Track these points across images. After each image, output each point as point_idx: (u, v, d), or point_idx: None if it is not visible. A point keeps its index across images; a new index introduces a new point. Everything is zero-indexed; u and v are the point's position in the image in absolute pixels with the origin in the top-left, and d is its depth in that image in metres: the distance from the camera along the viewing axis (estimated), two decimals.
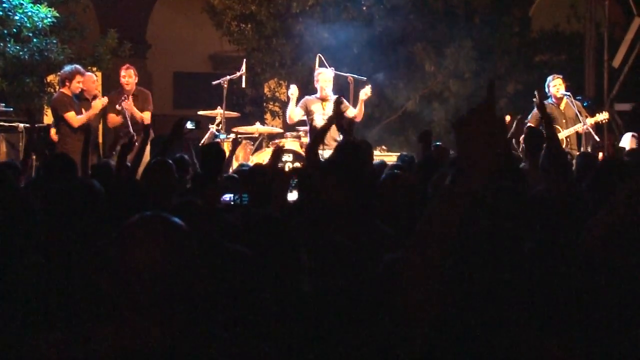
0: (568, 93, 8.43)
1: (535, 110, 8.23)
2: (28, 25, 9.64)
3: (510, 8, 12.47)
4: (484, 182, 1.81)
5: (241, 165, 7.20)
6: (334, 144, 7.54)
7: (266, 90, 14.11)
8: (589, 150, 8.28)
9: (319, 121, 8.21)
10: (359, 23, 11.71)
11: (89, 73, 8.95)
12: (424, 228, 1.88)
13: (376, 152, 9.68)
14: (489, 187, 3.53)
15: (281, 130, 10.22)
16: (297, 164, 8.36)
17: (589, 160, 5.71)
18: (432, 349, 1.92)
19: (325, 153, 7.04)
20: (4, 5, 9.55)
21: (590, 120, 8.36)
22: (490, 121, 1.78)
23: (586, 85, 11.85)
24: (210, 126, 9.39)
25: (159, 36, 15.61)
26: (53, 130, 8.28)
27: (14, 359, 1.94)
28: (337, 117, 5.51)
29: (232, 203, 4.53)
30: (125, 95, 8.62)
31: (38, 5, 9.75)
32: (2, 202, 3.43)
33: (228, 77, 9.53)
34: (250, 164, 7.74)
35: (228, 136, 9.35)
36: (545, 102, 8.40)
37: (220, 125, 9.41)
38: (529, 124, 7.93)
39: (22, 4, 9.60)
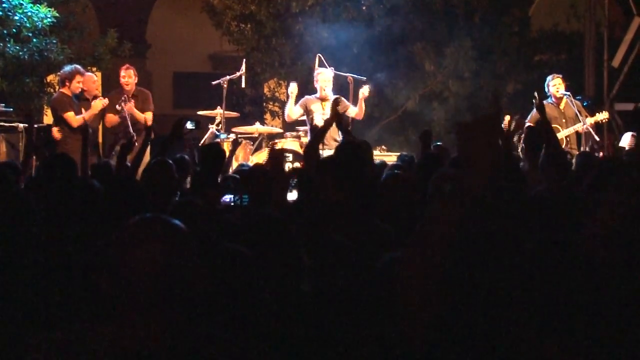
0: (568, 93, 8.44)
1: (534, 111, 8.24)
2: (28, 25, 9.64)
3: (509, 8, 12.47)
4: (484, 182, 1.81)
5: (241, 165, 7.20)
6: (334, 144, 7.55)
7: (266, 90, 14.12)
8: (588, 149, 8.28)
9: (319, 121, 8.22)
10: (359, 23, 11.71)
11: (89, 73, 8.95)
12: (424, 228, 1.88)
13: (376, 152, 9.69)
14: (489, 187, 3.53)
15: (281, 130, 10.23)
16: (297, 164, 8.36)
17: (589, 159, 5.71)
18: (432, 349, 1.92)
19: (325, 153, 7.04)
20: (4, 5, 9.55)
21: (590, 120, 8.36)
22: (494, 131, 1.79)
23: (586, 84, 11.86)
24: (210, 126, 9.39)
25: (158, 36, 15.61)
26: (55, 129, 8.27)
27: (14, 359, 1.94)
28: (337, 117, 5.52)
29: (232, 203, 4.53)
30: (125, 96, 8.62)
31: (38, 5, 9.75)
32: (2, 202, 3.43)
33: (228, 77, 9.53)
34: (250, 164, 7.75)
35: (228, 136, 9.36)
36: (545, 101, 8.40)
37: (220, 125, 9.41)
38: (528, 124, 7.93)
39: (21, 4, 9.59)
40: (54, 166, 4.81)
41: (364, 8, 11.88)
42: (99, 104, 8.40)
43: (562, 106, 8.46)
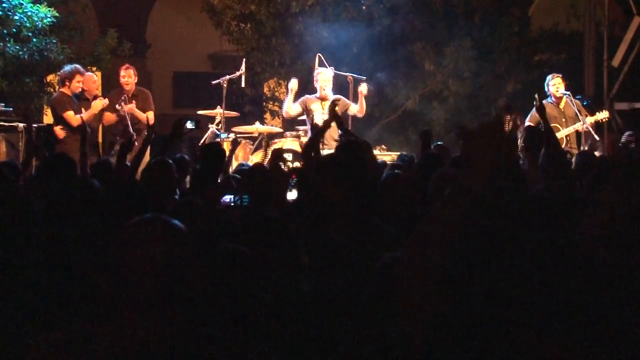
0: (568, 92, 8.44)
1: (534, 111, 8.24)
2: (28, 25, 9.63)
3: (509, 7, 12.46)
4: (484, 183, 1.82)
5: (241, 165, 7.21)
6: (334, 144, 7.55)
7: (266, 89, 14.12)
8: (587, 148, 8.28)
9: (319, 120, 8.22)
10: (359, 22, 11.71)
11: (89, 73, 8.95)
12: (424, 228, 1.88)
13: (376, 152, 9.67)
14: (489, 187, 3.53)
15: (281, 130, 10.23)
16: (297, 164, 8.36)
17: (588, 159, 5.71)
18: (432, 349, 1.92)
19: (325, 153, 7.04)
20: (4, 5, 9.54)
21: (591, 119, 8.36)
22: (496, 135, 1.79)
23: (586, 84, 11.86)
24: (210, 126, 9.39)
25: (158, 36, 15.61)
26: (58, 127, 8.26)
27: (14, 359, 1.94)
28: (338, 118, 5.52)
29: (232, 204, 4.53)
30: (125, 96, 8.62)
31: (38, 5, 9.74)
32: (2, 202, 3.43)
33: (227, 77, 9.53)
34: (250, 163, 7.75)
35: (229, 135, 9.36)
36: (545, 101, 8.40)
37: (220, 124, 9.42)
38: (528, 124, 7.93)
39: (21, 4, 9.59)
40: (54, 166, 4.81)
41: (363, 8, 11.87)
42: (99, 104, 8.40)
43: (562, 105, 8.47)
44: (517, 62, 12.39)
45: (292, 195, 5.01)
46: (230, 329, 2.23)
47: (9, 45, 9.53)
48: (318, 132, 5.28)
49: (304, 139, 9.16)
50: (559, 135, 7.89)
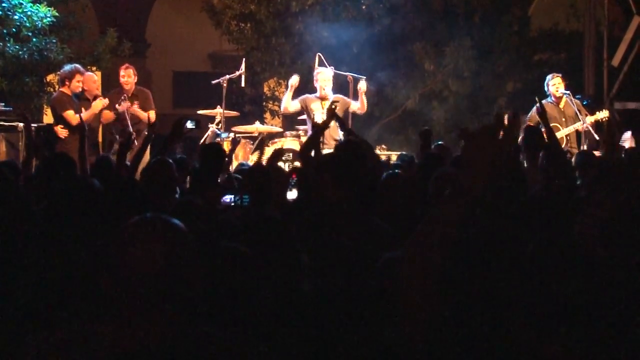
0: (567, 92, 8.44)
1: (534, 110, 8.24)
2: (27, 24, 9.63)
3: (509, 7, 12.47)
4: (483, 183, 1.82)
5: (241, 165, 7.21)
6: (334, 144, 7.55)
7: (265, 89, 14.12)
8: (586, 148, 8.28)
9: (319, 120, 8.22)
10: (359, 22, 11.71)
11: (89, 73, 8.95)
12: (424, 228, 1.88)
13: (376, 152, 9.68)
14: (489, 187, 3.53)
15: (281, 130, 10.23)
16: (297, 164, 8.37)
17: (588, 159, 5.71)
18: (432, 349, 1.92)
19: (325, 152, 7.05)
20: (4, 4, 9.54)
21: (591, 119, 8.35)
22: (498, 137, 1.80)
23: (585, 83, 11.85)
24: (210, 125, 9.39)
25: (158, 35, 15.61)
26: (59, 127, 8.26)
27: (14, 359, 1.94)
28: (338, 119, 5.53)
29: (233, 203, 4.53)
30: (125, 96, 8.61)
31: (37, 4, 9.74)
32: (2, 202, 3.43)
33: (227, 77, 9.53)
34: (250, 163, 7.75)
35: (229, 135, 9.36)
36: (545, 100, 8.41)
37: (220, 124, 9.42)
38: (528, 124, 7.93)
39: (21, 4, 9.59)
40: (54, 166, 4.81)
41: (363, 7, 11.88)
42: (100, 104, 8.40)
43: (561, 105, 8.47)
44: (517, 62, 12.40)
45: (292, 195, 5.01)
46: (230, 328, 2.23)
47: (8, 45, 9.53)
48: (316, 133, 5.29)
49: (304, 139, 9.16)
50: (559, 135, 7.89)
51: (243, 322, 2.36)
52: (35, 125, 8.68)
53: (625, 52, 11.54)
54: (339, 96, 8.52)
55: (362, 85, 8.48)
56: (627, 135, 9.50)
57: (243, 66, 9.72)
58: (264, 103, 14.05)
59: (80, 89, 8.44)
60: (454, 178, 1.86)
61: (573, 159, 6.05)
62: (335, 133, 8.15)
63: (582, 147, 8.38)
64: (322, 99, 8.46)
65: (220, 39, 13.45)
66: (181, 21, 15.49)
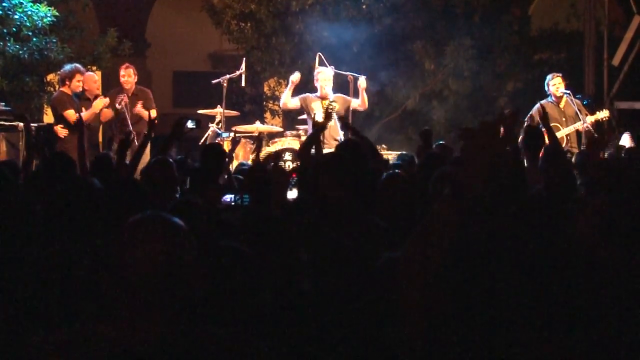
0: (568, 91, 8.44)
1: (534, 110, 8.25)
2: (28, 24, 9.63)
3: (509, 6, 12.47)
4: (482, 182, 1.82)
5: (241, 165, 7.21)
6: (334, 143, 7.55)
7: (266, 89, 14.11)
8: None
9: (319, 119, 8.22)
10: (359, 22, 11.71)
11: (90, 72, 8.95)
12: (424, 228, 1.88)
13: None
14: (488, 187, 3.53)
15: (281, 129, 10.23)
16: (297, 163, 8.37)
17: (588, 158, 5.70)
18: (432, 349, 1.92)
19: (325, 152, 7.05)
20: (4, 4, 9.54)
21: (591, 118, 8.36)
22: (497, 135, 1.80)
23: (586, 83, 11.85)
24: (210, 125, 9.39)
25: (158, 35, 15.60)
26: (59, 126, 8.26)
27: (14, 359, 1.94)
28: (341, 119, 5.54)
29: (233, 203, 4.53)
30: (125, 95, 8.62)
31: (38, 4, 9.74)
32: (2, 202, 3.43)
33: (228, 76, 9.53)
34: (250, 162, 7.75)
35: (229, 134, 9.37)
36: (545, 100, 8.41)
37: (220, 124, 9.42)
38: (528, 124, 7.93)
39: (21, 3, 9.59)
40: (54, 165, 4.81)
41: (364, 7, 11.87)
42: (100, 103, 8.40)
43: (562, 105, 8.47)
44: (517, 61, 12.39)
45: (292, 194, 5.01)
46: (230, 328, 2.23)
47: (9, 44, 9.53)
48: (316, 132, 5.29)
49: (304, 138, 9.17)
50: (559, 134, 7.89)
51: (243, 322, 2.36)
52: (36, 125, 8.69)
53: (626, 51, 11.54)
54: (340, 95, 8.53)
55: (362, 82, 8.49)
56: (626, 136, 9.50)
57: (243, 66, 9.72)
58: (264, 103, 14.04)
59: (80, 89, 8.44)
60: (453, 176, 1.85)
61: (573, 159, 6.05)
62: (335, 133, 8.15)
63: (582, 147, 8.38)
64: (323, 98, 8.46)
65: (221, 39, 13.45)
66: (181, 21, 15.48)
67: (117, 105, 8.50)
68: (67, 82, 8.31)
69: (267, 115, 13.94)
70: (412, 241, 1.92)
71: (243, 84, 10.03)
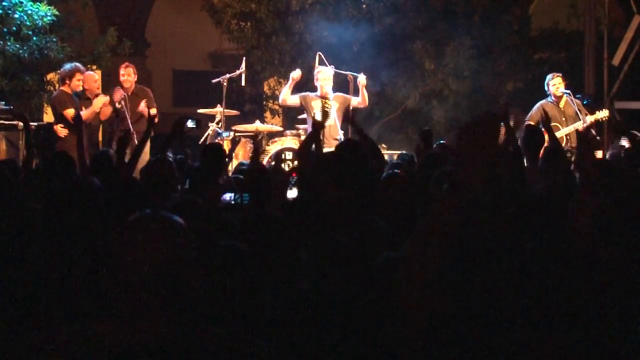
0: (568, 91, 8.44)
1: (534, 110, 8.25)
2: (28, 23, 9.64)
3: (509, 6, 12.46)
4: (481, 181, 1.82)
5: (241, 164, 7.21)
6: (334, 143, 7.55)
7: (266, 88, 14.11)
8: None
9: (320, 119, 8.22)
10: (359, 21, 11.71)
11: (90, 72, 8.94)
12: (424, 227, 1.88)
13: None
14: (488, 186, 3.53)
15: (281, 129, 10.22)
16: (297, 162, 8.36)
17: (579, 157, 5.69)
18: (432, 348, 1.92)
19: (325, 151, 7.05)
20: (4, 3, 9.55)
21: (591, 118, 8.36)
22: (492, 131, 1.80)
23: (586, 83, 11.85)
24: (210, 124, 9.38)
25: (158, 34, 15.60)
26: (59, 126, 8.26)
27: (14, 359, 1.94)
28: (347, 117, 5.54)
29: (233, 202, 4.53)
30: (125, 95, 8.61)
31: (38, 3, 9.75)
32: (1, 201, 3.44)
33: (227, 75, 9.53)
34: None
35: (229, 134, 9.36)
36: (545, 100, 8.42)
37: (220, 123, 9.42)
38: (528, 123, 7.93)
39: (21, 2, 9.59)
40: (53, 164, 4.81)
41: (364, 6, 11.87)
42: (100, 101, 8.39)
43: (562, 105, 8.47)
44: (517, 61, 12.40)
45: (292, 194, 5.01)
46: (230, 327, 2.23)
47: (9, 43, 9.53)
48: (315, 131, 5.29)
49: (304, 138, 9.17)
50: (559, 134, 7.90)
51: (243, 321, 2.36)
52: (36, 124, 8.69)
53: (626, 51, 11.53)
54: (340, 94, 8.53)
55: (362, 79, 8.49)
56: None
57: (243, 65, 9.72)
58: (264, 102, 14.03)
59: (80, 88, 8.44)
60: (453, 176, 1.85)
61: (573, 159, 6.05)
62: (335, 132, 8.15)
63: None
64: (323, 97, 8.46)
65: (221, 38, 13.44)
66: (181, 20, 15.48)
67: (116, 105, 8.49)
68: (67, 81, 8.30)
69: (267, 114, 13.94)
70: (412, 241, 1.91)
71: (243, 83, 10.03)
